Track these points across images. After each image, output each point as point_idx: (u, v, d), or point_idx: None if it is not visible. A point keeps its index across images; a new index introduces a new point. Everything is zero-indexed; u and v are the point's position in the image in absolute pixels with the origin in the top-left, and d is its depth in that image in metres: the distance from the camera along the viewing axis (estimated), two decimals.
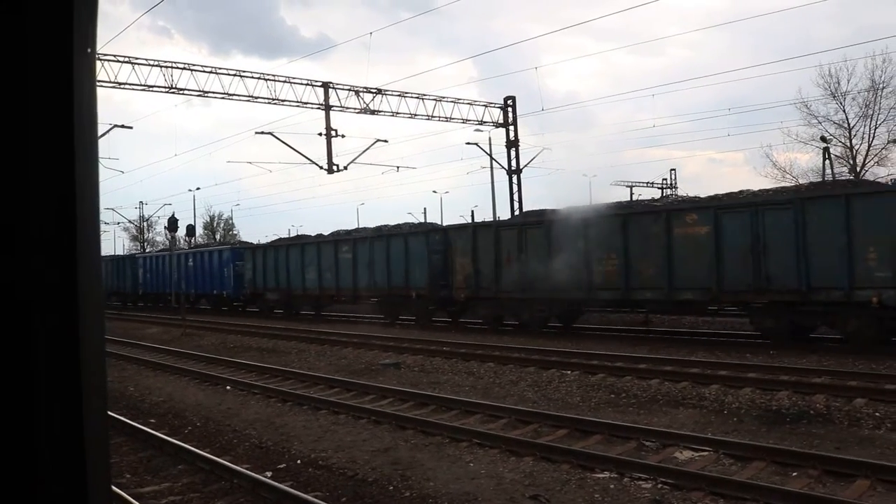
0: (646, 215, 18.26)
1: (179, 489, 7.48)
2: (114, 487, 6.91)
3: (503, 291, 20.94)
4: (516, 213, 31.10)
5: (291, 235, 45.30)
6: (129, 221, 68.40)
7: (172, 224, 28.51)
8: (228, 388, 13.66)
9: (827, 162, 35.33)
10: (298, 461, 8.37)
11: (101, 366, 1.04)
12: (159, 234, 70.44)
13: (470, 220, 45.69)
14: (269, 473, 7.78)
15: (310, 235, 33.72)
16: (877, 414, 9.47)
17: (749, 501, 6.38)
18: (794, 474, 7.17)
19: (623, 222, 18.26)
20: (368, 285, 26.12)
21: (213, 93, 27.17)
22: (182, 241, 44.09)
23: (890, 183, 21.31)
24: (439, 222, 34.91)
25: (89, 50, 1.00)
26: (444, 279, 23.01)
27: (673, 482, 6.94)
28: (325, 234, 31.83)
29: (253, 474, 7.47)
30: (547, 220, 20.27)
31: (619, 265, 18.14)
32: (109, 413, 10.39)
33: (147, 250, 59.27)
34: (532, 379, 13.30)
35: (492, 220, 23.00)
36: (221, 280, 35.16)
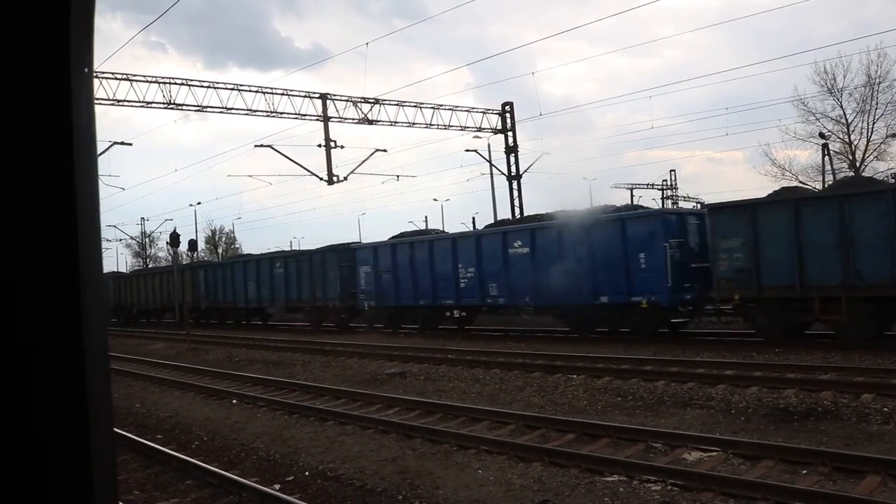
0: None
1: None
2: None
3: None
4: (518, 218, 31.09)
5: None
6: (131, 238, 68.43)
7: (174, 239, 28.61)
8: (235, 401, 13.64)
9: (826, 158, 35.37)
10: (306, 473, 8.35)
11: (106, 378, 1.05)
12: (161, 250, 70.33)
13: (472, 228, 45.63)
14: (277, 486, 7.76)
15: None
16: (885, 409, 9.45)
17: (759, 501, 6.35)
18: (804, 472, 7.15)
19: None
20: None
21: (212, 107, 27.28)
22: (184, 257, 43.52)
23: (891, 178, 20.96)
24: (441, 229, 33.42)
25: (86, 69, 1.01)
26: None
27: (682, 483, 6.92)
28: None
29: (261, 487, 7.45)
30: None
31: None
32: (117, 430, 10.40)
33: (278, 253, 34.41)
34: (538, 384, 13.28)
35: None
36: (628, 276, 18.55)
